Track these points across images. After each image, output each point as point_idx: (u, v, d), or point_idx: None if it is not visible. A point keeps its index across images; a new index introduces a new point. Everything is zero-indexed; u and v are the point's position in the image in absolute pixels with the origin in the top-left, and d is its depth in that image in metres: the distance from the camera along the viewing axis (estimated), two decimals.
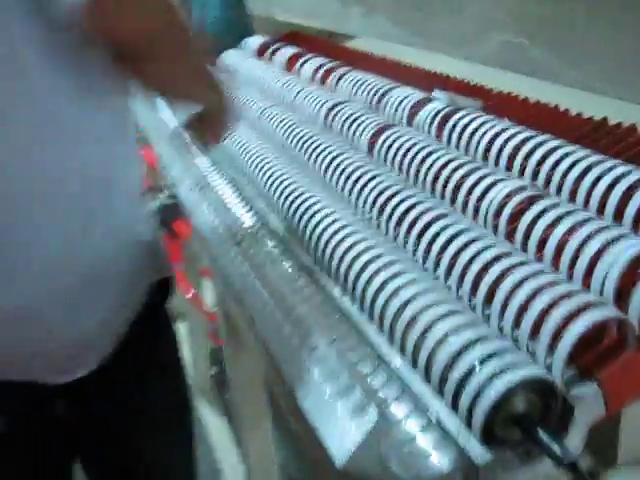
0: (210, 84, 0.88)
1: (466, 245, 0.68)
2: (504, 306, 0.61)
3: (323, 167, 0.98)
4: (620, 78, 0.87)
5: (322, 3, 1.58)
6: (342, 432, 0.49)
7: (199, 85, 0.88)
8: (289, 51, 1.64)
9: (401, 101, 1.10)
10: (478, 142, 0.89)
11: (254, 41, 1.85)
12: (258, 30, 1.95)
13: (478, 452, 0.53)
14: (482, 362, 0.56)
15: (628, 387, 0.57)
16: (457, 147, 0.93)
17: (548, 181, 0.76)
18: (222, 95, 0.89)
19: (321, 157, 1.00)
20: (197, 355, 1.95)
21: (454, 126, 0.94)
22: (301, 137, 1.09)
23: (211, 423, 1.87)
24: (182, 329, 2.21)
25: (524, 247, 0.69)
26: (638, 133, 0.84)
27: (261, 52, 1.79)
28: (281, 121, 1.21)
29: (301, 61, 1.53)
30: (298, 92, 1.32)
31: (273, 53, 1.71)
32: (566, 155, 0.76)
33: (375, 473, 0.49)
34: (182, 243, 1.53)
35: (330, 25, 1.65)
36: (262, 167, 1.06)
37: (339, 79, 1.33)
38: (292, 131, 1.14)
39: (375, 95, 1.18)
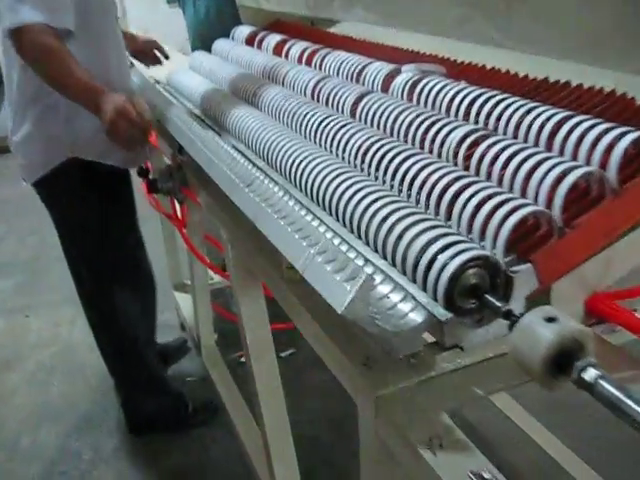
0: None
1: (431, 173, 0.87)
2: (460, 215, 0.80)
3: (314, 128, 1.17)
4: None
5: None
6: (340, 291, 0.68)
7: None
8: (276, 38, 1.82)
9: (376, 74, 1.29)
10: (442, 100, 1.08)
11: (243, 30, 2.03)
12: (245, 20, 2.13)
13: (442, 313, 0.72)
14: (442, 251, 0.75)
15: (555, 267, 0.76)
16: (425, 105, 1.12)
17: (496, 124, 0.96)
18: None
19: (313, 120, 1.18)
20: (202, 323, 2.15)
21: (422, 89, 1.13)
22: (294, 106, 1.28)
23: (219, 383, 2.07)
24: (185, 300, 2.39)
25: (477, 173, 0.88)
26: (570, 87, 1.03)
27: (250, 40, 1.97)
28: (274, 96, 1.39)
29: (288, 45, 1.71)
30: (287, 71, 1.50)
31: (261, 40, 1.89)
32: (510, 104, 0.95)
33: (365, 322, 0.68)
34: (187, 210, 1.71)
35: (312, 12, 1.83)
36: (260, 133, 1.24)
37: (322, 59, 1.51)
38: (285, 102, 1.32)
39: (354, 70, 1.37)
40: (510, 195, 0.79)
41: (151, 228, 2.34)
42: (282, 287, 0.93)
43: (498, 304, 0.70)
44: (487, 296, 0.72)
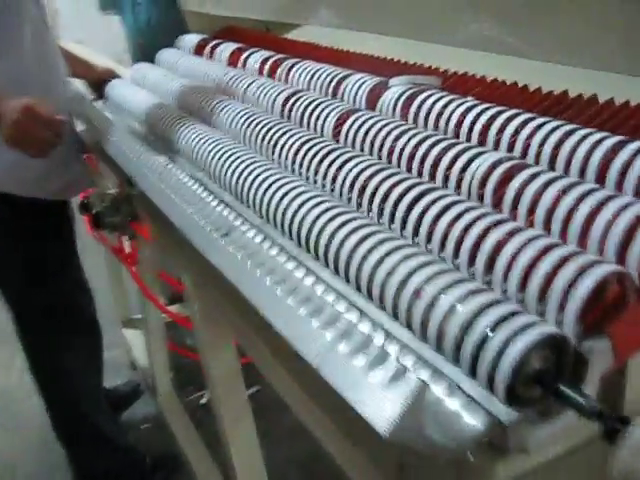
0: None
1: (459, 215, 0.69)
2: (507, 272, 0.63)
3: (292, 153, 0.98)
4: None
5: None
6: (380, 403, 0.50)
7: None
8: (230, 46, 1.62)
9: (359, 87, 1.11)
10: (448, 119, 0.90)
11: (190, 39, 1.83)
12: (191, 27, 1.93)
13: (504, 413, 0.54)
14: (493, 329, 0.57)
15: (635, 339, 0.59)
16: (425, 126, 0.94)
17: (525, 151, 0.79)
18: None
19: (290, 143, 0.99)
20: (156, 364, 1.93)
21: (420, 106, 0.96)
22: (264, 126, 1.08)
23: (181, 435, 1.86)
24: (135, 337, 2.17)
25: (512, 214, 0.71)
26: (598, 102, 0.87)
27: (199, 49, 1.77)
28: (237, 113, 1.19)
29: (245, 54, 1.52)
30: (249, 84, 1.31)
31: (213, 49, 1.69)
32: (541, 125, 0.78)
33: (414, 440, 0.50)
34: (138, 246, 1.51)
35: (268, 16, 1.64)
36: (227, 160, 1.05)
37: (289, 70, 1.33)
38: (253, 121, 1.13)
39: (331, 83, 1.19)
40: (572, 248, 0.62)
41: (95, 257, 2.11)
42: (277, 370, 0.74)
43: (581, 400, 0.53)
44: (562, 387, 0.54)
